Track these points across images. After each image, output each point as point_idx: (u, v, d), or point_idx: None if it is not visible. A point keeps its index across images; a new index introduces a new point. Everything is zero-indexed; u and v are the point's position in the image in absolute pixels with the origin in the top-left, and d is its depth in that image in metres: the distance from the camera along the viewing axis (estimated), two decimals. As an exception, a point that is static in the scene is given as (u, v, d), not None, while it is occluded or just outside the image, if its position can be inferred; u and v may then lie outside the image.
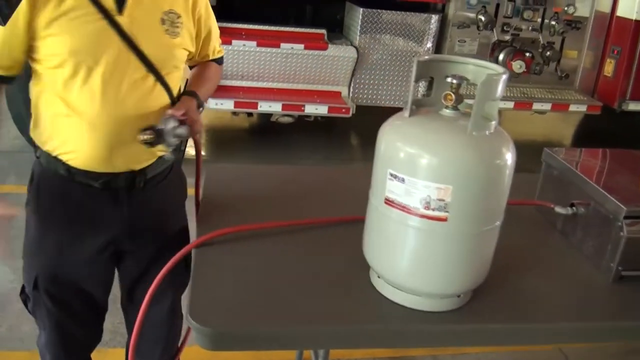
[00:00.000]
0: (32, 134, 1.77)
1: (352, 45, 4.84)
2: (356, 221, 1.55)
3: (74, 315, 1.92)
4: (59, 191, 1.77)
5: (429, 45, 4.91)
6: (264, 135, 5.83)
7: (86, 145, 1.68)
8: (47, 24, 1.56)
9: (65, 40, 1.58)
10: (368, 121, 5.70)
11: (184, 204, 2.04)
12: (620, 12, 5.24)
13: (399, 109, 1.44)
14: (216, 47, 2.00)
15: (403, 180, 1.26)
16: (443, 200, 1.23)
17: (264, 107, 4.71)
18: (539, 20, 5.19)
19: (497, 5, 5.03)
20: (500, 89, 1.28)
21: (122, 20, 1.61)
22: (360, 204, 1.48)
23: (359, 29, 4.75)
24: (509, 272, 1.55)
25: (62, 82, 1.64)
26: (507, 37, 5.15)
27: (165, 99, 1.75)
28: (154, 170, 1.81)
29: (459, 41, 4.99)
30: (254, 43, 4.64)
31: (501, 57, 5.11)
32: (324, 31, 4.85)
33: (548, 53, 5.28)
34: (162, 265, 1.85)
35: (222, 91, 4.70)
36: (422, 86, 4.01)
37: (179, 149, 1.96)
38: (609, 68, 5.39)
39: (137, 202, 1.81)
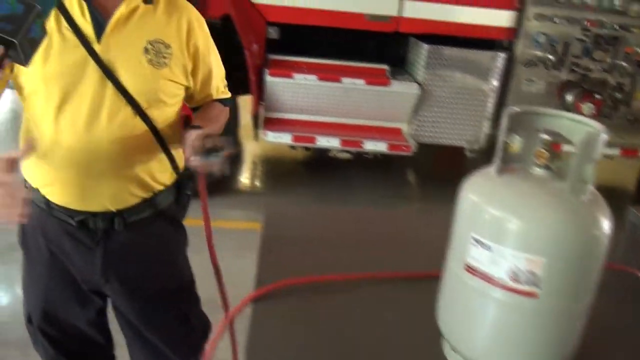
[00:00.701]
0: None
1: (414, 81, 4.73)
2: (426, 278, 1.44)
3: (70, 354, 1.84)
4: (40, 225, 1.69)
5: (495, 83, 4.76)
6: (321, 169, 5.75)
7: (59, 179, 1.60)
8: None
9: (40, 66, 1.51)
10: (427, 159, 5.61)
11: (181, 255, 1.90)
12: (692, 54, 4.99)
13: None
14: (220, 86, 1.87)
15: (489, 247, 1.13)
16: (533, 273, 1.09)
17: (322, 142, 4.64)
18: (609, 60, 4.99)
19: (566, 45, 4.86)
20: (599, 148, 1.15)
21: (99, 48, 1.52)
22: (428, 256, 1.36)
23: (424, 65, 4.64)
24: (593, 348, 1.39)
25: (37, 110, 1.56)
26: (576, 78, 4.96)
27: (147, 135, 1.63)
28: (136, 214, 1.69)
29: (525, 80, 4.83)
30: (315, 77, 4.59)
31: (569, 98, 4.92)
32: (386, 67, 4.76)
33: (618, 95, 5.06)
34: (152, 325, 1.80)
35: (280, 124, 4.65)
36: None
37: (185, 194, 1.84)
38: (679, 112, 5.14)
39: (117, 247, 1.70)
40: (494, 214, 1.15)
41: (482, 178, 1.25)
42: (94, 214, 1.65)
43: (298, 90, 4.60)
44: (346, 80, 4.62)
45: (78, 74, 1.53)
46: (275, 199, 5.05)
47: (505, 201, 1.15)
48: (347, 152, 4.80)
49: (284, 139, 4.62)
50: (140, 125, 1.61)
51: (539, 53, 4.78)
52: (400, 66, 5.14)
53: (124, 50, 1.56)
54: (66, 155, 1.56)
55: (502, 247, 1.12)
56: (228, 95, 1.92)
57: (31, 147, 1.27)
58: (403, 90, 4.67)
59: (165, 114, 1.67)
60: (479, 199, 1.20)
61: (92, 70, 1.53)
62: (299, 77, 4.56)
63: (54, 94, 1.53)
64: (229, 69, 5.14)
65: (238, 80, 4.75)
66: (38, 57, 1.47)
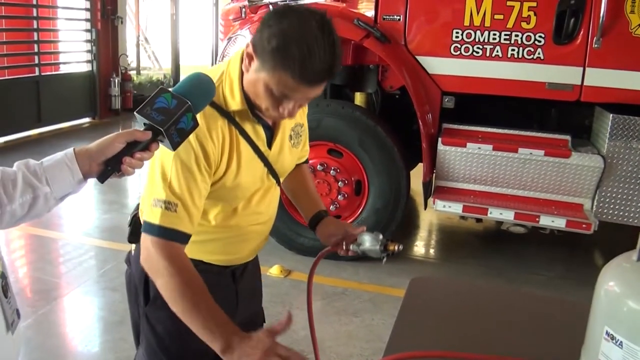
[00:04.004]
0: None
1: (599, 154, 4.40)
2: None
3: None
4: None
5: (693, 159, 4.28)
6: (494, 242, 5.51)
7: (232, 250, 1.80)
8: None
9: (234, 178, 1.65)
10: (619, 240, 5.09)
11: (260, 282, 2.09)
12: None
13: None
14: (307, 148, 2.02)
15: (621, 344, 0.99)
16: (674, 381, 0.93)
17: (495, 214, 4.44)
18: None
19: None
20: None
21: (269, 153, 1.69)
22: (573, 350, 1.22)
23: (608, 136, 4.29)
24: None
25: (221, 207, 1.71)
26: None
27: (277, 196, 1.86)
28: None
29: None
30: (490, 146, 4.43)
31: None
32: (568, 137, 4.48)
33: None
34: None
35: (451, 193, 4.55)
36: None
37: None
38: None
39: (244, 285, 1.90)
40: (632, 306, 1.01)
41: (624, 263, 1.11)
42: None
43: (471, 159, 4.48)
44: (523, 151, 4.41)
45: (259, 182, 1.73)
46: (440, 269, 4.91)
47: (646, 293, 1.01)
48: (522, 226, 4.54)
49: (454, 208, 4.49)
50: (276, 191, 1.84)
51: None
52: (585, 137, 4.83)
53: (282, 147, 1.74)
54: (243, 231, 1.78)
55: (637, 347, 0.97)
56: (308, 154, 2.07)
57: (290, 321, 1.36)
58: (585, 163, 4.35)
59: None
60: (617, 289, 1.06)
61: (260, 167, 1.71)
62: (473, 147, 4.45)
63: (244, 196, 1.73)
64: (405, 138, 5.04)
65: (412, 149, 4.76)
66: (233, 171, 1.64)
